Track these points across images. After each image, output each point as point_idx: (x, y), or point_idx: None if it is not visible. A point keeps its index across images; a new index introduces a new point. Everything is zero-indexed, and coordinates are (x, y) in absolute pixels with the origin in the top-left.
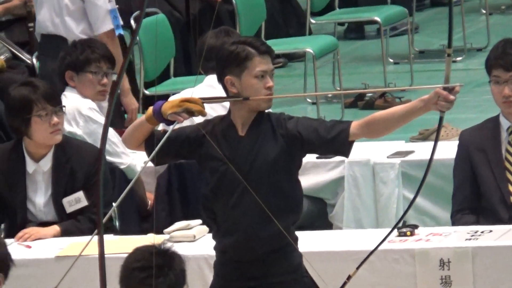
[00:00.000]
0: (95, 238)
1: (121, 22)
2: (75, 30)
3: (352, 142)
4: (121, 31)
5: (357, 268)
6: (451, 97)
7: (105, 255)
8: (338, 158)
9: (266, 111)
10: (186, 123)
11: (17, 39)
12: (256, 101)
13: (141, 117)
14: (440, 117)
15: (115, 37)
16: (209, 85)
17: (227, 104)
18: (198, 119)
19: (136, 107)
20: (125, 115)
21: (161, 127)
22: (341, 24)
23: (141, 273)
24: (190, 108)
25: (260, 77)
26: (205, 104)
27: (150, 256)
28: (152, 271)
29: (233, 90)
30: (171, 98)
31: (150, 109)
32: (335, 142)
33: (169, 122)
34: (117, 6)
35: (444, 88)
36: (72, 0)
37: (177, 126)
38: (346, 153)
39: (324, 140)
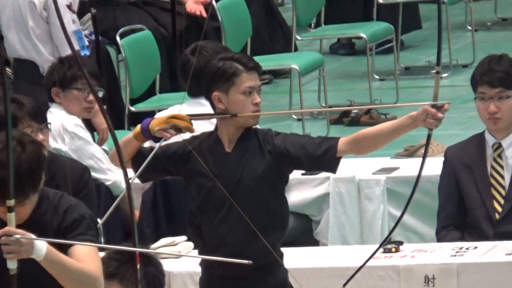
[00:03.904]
0: None
1: (86, 43)
2: (45, 53)
3: (340, 158)
4: (87, 52)
5: (344, 286)
6: (440, 115)
7: None
8: (324, 175)
9: (253, 127)
10: (174, 139)
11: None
12: (244, 118)
13: (129, 134)
14: (428, 134)
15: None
16: (196, 102)
17: (214, 120)
18: (186, 136)
19: (106, 127)
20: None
21: (148, 144)
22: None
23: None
24: (177, 124)
25: (247, 93)
26: (192, 120)
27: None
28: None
29: (221, 106)
30: (158, 115)
31: (138, 126)
32: (323, 159)
33: (156, 139)
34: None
35: (433, 106)
36: (37, 23)
37: (164, 142)
38: (333, 170)
39: (312, 157)
